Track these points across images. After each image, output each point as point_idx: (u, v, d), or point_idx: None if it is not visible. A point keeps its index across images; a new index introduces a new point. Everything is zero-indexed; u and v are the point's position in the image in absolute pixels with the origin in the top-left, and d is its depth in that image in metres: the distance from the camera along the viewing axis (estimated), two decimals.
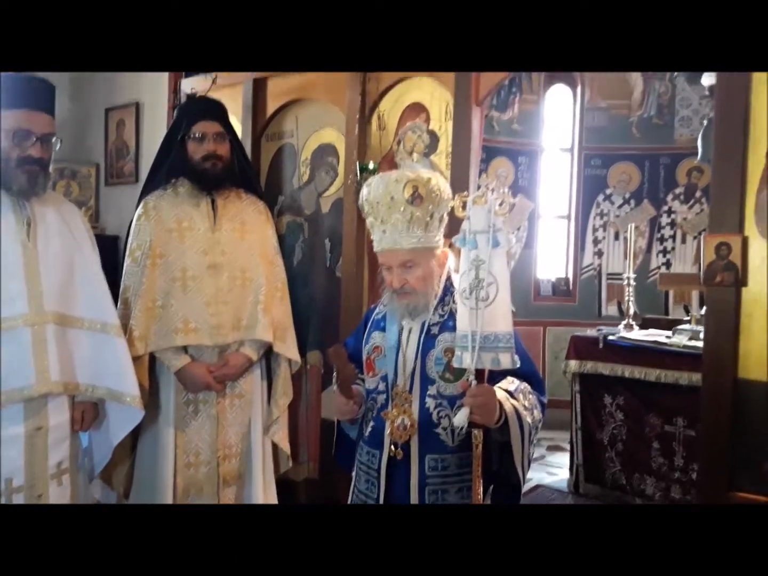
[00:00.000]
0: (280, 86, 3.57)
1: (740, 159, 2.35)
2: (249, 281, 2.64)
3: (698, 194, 5.82)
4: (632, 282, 4.29)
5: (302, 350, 2.95)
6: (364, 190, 1.74)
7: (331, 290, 3.41)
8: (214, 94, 3.15)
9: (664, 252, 5.97)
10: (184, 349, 2.54)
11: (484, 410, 1.53)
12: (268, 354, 2.75)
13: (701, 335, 2.90)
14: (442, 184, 1.72)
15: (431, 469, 1.70)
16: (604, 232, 6.14)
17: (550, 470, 4.64)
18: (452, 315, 1.73)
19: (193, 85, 3.75)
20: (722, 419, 2.39)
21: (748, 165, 2.35)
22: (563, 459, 4.64)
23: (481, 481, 1.57)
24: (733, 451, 2.37)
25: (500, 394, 1.60)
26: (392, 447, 1.72)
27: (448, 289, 1.79)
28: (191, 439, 2.57)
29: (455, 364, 1.59)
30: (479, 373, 1.54)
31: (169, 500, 2.53)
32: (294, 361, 2.78)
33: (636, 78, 5.95)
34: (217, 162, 2.57)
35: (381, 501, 1.74)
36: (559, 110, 6.31)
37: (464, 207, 1.57)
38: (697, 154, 4.40)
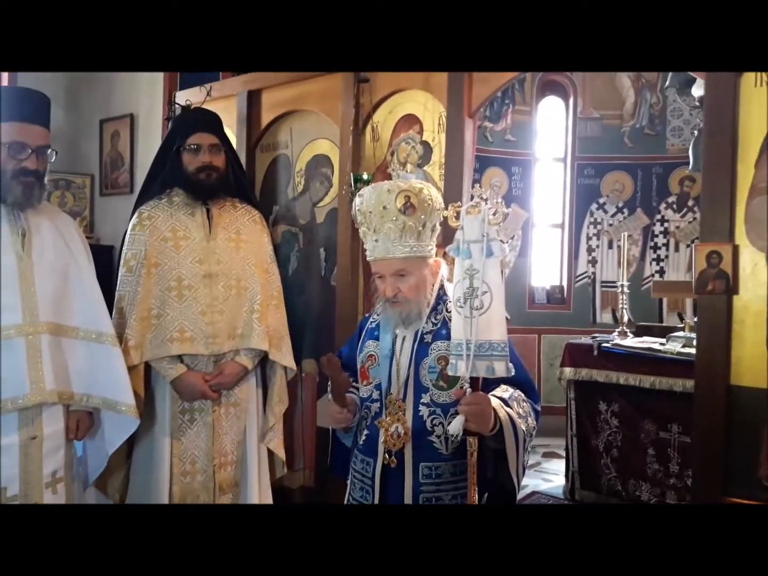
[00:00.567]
0: (275, 98, 3.60)
1: (730, 168, 2.37)
2: (244, 290, 2.64)
3: (690, 203, 5.87)
4: (626, 290, 4.31)
5: (297, 359, 2.96)
6: (357, 200, 1.75)
7: (326, 299, 3.42)
8: (209, 106, 3.17)
9: (658, 260, 6.01)
10: (180, 358, 2.54)
11: (480, 418, 1.54)
12: (264, 362, 2.76)
13: (695, 342, 2.92)
14: (434, 194, 1.74)
15: (425, 476, 1.71)
16: (598, 240, 6.18)
17: (546, 477, 4.65)
18: (445, 323, 1.75)
19: (188, 96, 3.76)
20: (715, 425, 2.40)
21: (738, 174, 2.37)
22: (559, 466, 4.65)
23: (477, 488, 1.58)
24: (726, 456, 2.39)
25: (495, 402, 1.61)
26: (386, 455, 1.72)
27: (441, 297, 1.80)
28: (187, 447, 2.57)
29: (450, 373, 1.60)
30: (474, 381, 1.55)
31: None
32: (290, 368, 2.79)
33: (627, 89, 6.01)
34: (212, 173, 2.58)
35: None
36: (551, 121, 6.36)
37: (458, 217, 1.58)
38: (688, 163, 4.44)
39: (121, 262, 2.59)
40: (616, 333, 4.16)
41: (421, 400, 1.73)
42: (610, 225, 6.12)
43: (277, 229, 3.61)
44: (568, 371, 4.02)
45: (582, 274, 6.20)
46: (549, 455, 5.13)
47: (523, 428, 1.65)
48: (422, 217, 1.69)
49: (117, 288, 2.56)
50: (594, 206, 6.17)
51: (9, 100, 2.00)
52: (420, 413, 1.72)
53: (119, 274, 2.57)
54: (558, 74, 6.16)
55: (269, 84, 3.56)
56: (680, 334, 3.82)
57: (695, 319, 3.07)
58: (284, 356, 2.74)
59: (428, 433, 1.71)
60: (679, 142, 5.86)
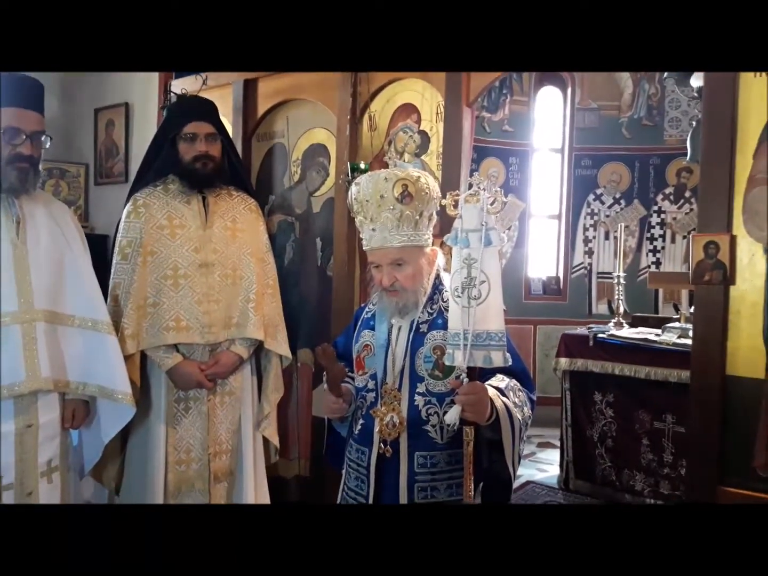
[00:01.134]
0: (271, 87, 3.57)
1: (728, 159, 2.37)
2: (240, 279, 2.63)
3: (687, 194, 5.87)
4: (622, 281, 4.32)
5: (293, 348, 2.96)
6: (353, 189, 1.74)
7: (322, 289, 3.41)
8: (205, 95, 3.14)
9: (654, 251, 6.01)
10: (175, 347, 2.54)
11: (476, 408, 1.54)
12: (258, 351, 2.75)
13: (690, 333, 2.92)
14: (431, 182, 1.73)
15: (420, 466, 1.71)
16: (595, 231, 6.18)
17: (541, 467, 4.67)
18: (441, 313, 1.74)
19: (184, 85, 3.74)
20: (711, 415, 2.41)
21: (736, 165, 2.37)
22: (553, 456, 4.67)
23: (473, 478, 1.58)
24: (721, 446, 2.40)
25: (491, 392, 1.61)
26: (381, 444, 1.72)
27: (438, 287, 1.80)
28: (182, 436, 2.57)
29: (447, 362, 1.59)
30: (471, 371, 1.55)
31: (160, 497, 2.53)
32: (285, 356, 2.78)
33: (626, 80, 5.99)
34: (208, 162, 2.56)
35: (370, 498, 1.75)
36: (549, 111, 6.34)
37: (456, 205, 1.57)
38: (686, 154, 4.43)
39: (116, 249, 2.56)
40: (611, 324, 4.16)
41: (417, 390, 1.73)
42: (607, 216, 6.12)
43: (274, 219, 3.59)
44: (563, 362, 4.03)
45: (578, 265, 6.21)
46: (544, 445, 5.15)
47: (519, 418, 1.65)
48: (419, 206, 1.69)
49: (111, 275, 2.54)
50: (591, 197, 6.17)
51: (2, 85, 1.98)
52: (415, 403, 1.72)
53: (114, 261, 2.55)
54: None
55: (266, 73, 3.54)
56: (675, 324, 3.84)
57: (691, 310, 3.08)
58: (279, 345, 2.73)
59: (423, 423, 1.71)
60: (677, 133, 5.85)
